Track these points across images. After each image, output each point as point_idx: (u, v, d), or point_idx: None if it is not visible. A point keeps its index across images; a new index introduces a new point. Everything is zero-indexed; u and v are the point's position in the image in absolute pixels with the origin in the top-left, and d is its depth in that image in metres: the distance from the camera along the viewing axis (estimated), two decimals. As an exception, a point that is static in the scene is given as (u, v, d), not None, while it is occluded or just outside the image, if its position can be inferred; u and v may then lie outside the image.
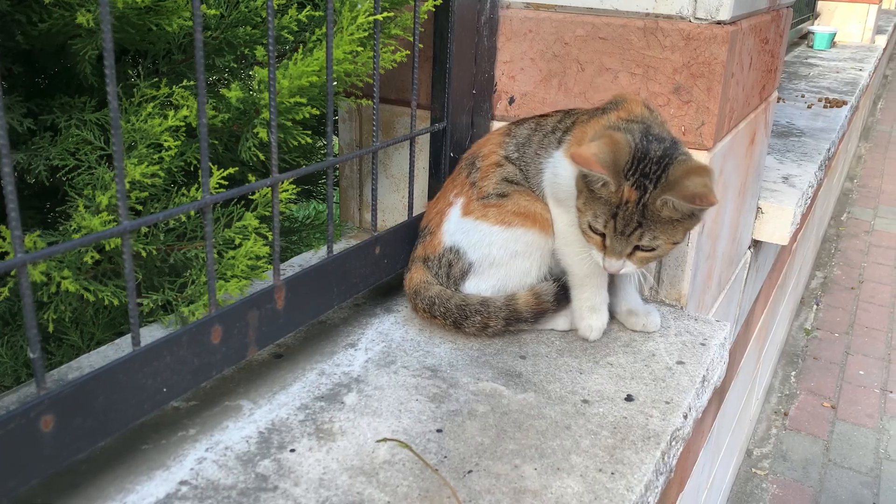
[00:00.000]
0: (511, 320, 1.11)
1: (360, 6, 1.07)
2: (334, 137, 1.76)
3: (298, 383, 1.00)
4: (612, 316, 1.17)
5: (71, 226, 0.99)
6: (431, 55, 1.22)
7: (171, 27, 1.01)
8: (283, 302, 0.95)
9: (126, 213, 0.71)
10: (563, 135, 1.12)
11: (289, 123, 1.07)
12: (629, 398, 1.00)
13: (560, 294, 1.12)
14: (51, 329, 1.02)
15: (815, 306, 4.00)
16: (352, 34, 1.04)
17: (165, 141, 1.01)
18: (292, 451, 0.87)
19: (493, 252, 1.12)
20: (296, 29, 1.10)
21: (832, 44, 4.47)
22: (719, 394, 1.87)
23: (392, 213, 1.48)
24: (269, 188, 0.98)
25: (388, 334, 1.13)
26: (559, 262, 1.13)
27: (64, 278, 0.95)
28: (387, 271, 1.15)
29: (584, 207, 1.01)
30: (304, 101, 1.03)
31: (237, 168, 1.12)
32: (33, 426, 0.68)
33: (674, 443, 0.94)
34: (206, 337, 0.85)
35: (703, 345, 1.14)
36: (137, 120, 1.02)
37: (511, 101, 1.31)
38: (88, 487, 0.79)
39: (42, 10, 0.98)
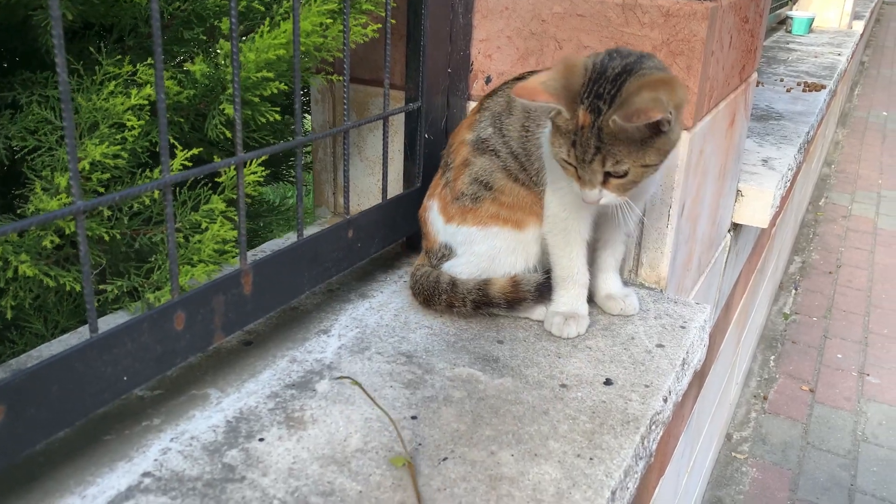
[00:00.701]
0: (481, 304, 1.09)
1: (329, -21, 1.04)
2: (307, 118, 1.72)
3: (268, 371, 0.97)
4: (591, 299, 1.14)
5: (29, 209, 0.95)
6: (405, 33, 1.19)
7: (138, -2, 0.97)
8: (250, 287, 0.92)
9: (80, 193, 0.67)
10: None
11: (256, 100, 1.03)
12: (608, 382, 0.98)
13: (543, 286, 1.10)
14: (9, 316, 0.98)
15: (793, 291, 4.02)
16: (320, 5, 1.01)
17: (128, 120, 0.97)
18: (261, 440, 0.84)
19: (476, 249, 1.12)
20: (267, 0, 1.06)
21: (810, 29, 4.48)
22: (699, 378, 1.86)
23: (367, 197, 1.45)
24: (234, 168, 0.95)
25: (362, 320, 1.10)
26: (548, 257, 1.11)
27: (21, 262, 0.91)
28: (360, 255, 1.12)
29: (553, 139, 0.96)
30: (271, 75, 1.00)
31: (202, 149, 1.08)
32: (-18, 417, 0.65)
33: (654, 427, 0.92)
34: (168, 323, 0.81)
35: (682, 327, 1.12)
36: (99, 98, 0.98)
37: (488, 80, 1.27)
38: (47, 480, 0.76)
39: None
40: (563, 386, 0.96)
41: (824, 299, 3.93)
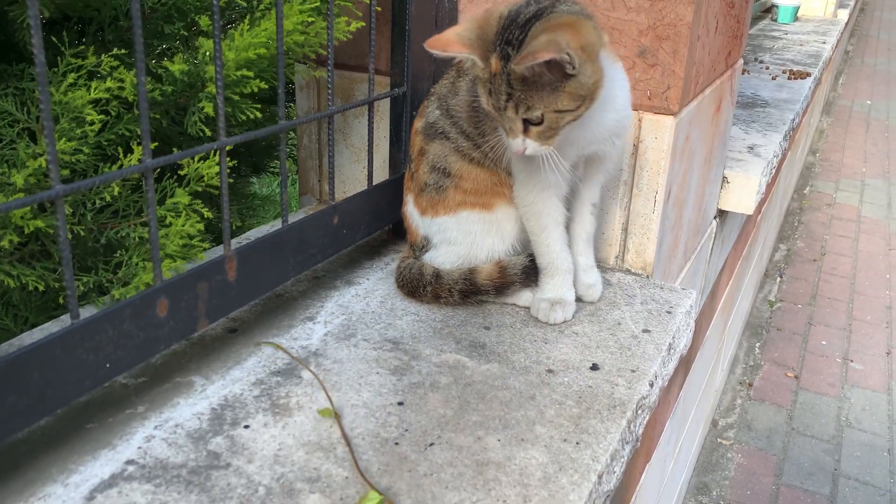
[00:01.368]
0: (469, 293, 1.09)
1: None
2: (291, 107, 1.70)
3: (254, 358, 0.96)
4: None
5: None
6: (390, 19, 1.18)
7: (117, -9, 0.96)
8: (234, 273, 0.91)
9: (58, 177, 0.66)
10: None
11: (236, 97, 1.02)
12: (595, 367, 0.98)
13: (529, 269, 1.10)
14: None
15: (778, 278, 4.04)
16: (301, 3, 0.99)
17: (88, 115, 0.94)
18: (246, 427, 0.83)
19: (451, 236, 1.12)
20: (248, -4, 1.04)
21: (796, 17, 4.49)
22: (685, 364, 1.87)
23: (353, 184, 1.44)
24: (212, 159, 0.94)
25: (348, 307, 1.09)
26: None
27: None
28: (346, 242, 1.12)
29: (478, 90, 0.95)
30: (251, 74, 0.98)
31: (185, 145, 1.07)
32: (-39, 405, 0.64)
33: (640, 411, 0.92)
34: (151, 310, 0.80)
35: (668, 313, 1.12)
36: (58, 91, 0.95)
37: (473, 66, 1.27)
38: (28, 469, 0.75)
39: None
40: (550, 371, 0.96)
41: (809, 286, 3.96)
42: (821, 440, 2.84)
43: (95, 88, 0.91)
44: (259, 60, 1.02)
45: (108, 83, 0.92)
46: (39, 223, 0.88)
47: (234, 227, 1.60)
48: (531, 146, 0.94)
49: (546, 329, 1.06)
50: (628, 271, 1.25)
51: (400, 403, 0.88)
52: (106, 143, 1.00)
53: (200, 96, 1.00)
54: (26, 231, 0.89)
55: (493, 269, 1.10)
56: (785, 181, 3.90)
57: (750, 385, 3.16)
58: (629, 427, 0.88)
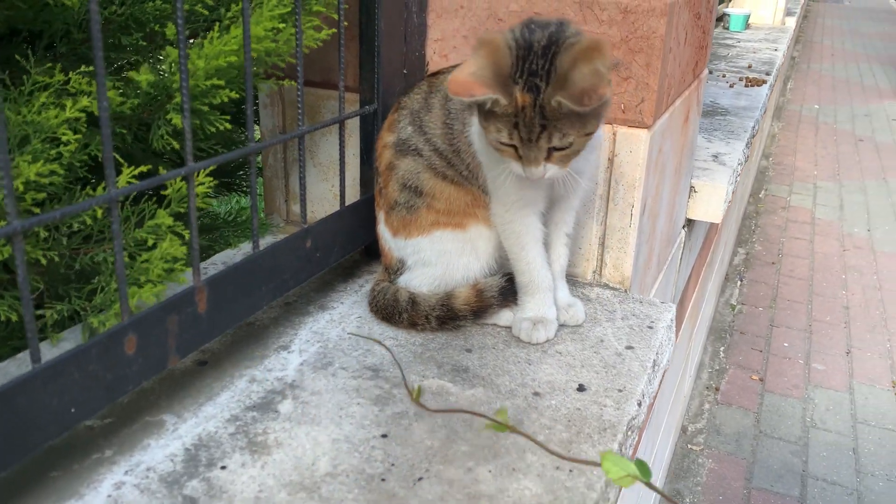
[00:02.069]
0: (446, 319, 1.06)
1: (278, -21, 0.99)
2: (255, 126, 1.65)
3: (227, 392, 0.91)
4: None
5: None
6: (357, 34, 1.14)
7: (71, 1, 0.90)
8: (205, 304, 0.86)
9: (16, 213, 0.61)
10: None
11: (205, 108, 0.97)
12: (581, 388, 0.95)
13: (506, 290, 1.07)
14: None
15: (739, 282, 4.10)
16: (272, 9, 0.95)
17: (64, 134, 0.89)
18: (223, 468, 0.79)
19: (426, 257, 1.09)
20: (211, 3, 1.00)
21: (747, 25, 4.58)
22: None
23: (321, 204, 1.40)
24: (184, 179, 0.89)
25: (323, 334, 1.05)
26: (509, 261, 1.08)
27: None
28: (320, 266, 1.08)
29: (486, 123, 0.91)
30: (221, 83, 0.94)
31: (147, 162, 1.02)
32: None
33: (630, 432, 0.90)
34: (118, 348, 0.75)
35: (650, 328, 1.11)
36: (29, 112, 0.90)
37: (443, 81, 1.24)
38: (-13, 526, 0.70)
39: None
40: (536, 394, 0.94)
41: (769, 289, 4.02)
42: (788, 442, 2.87)
43: (71, 107, 0.86)
44: (229, 69, 0.97)
45: (84, 101, 0.87)
46: (8, 250, 0.83)
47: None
48: (552, 170, 0.92)
49: (529, 349, 1.03)
50: (606, 286, 1.23)
51: (384, 436, 0.85)
52: (78, 165, 0.95)
53: (168, 108, 0.96)
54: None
55: (470, 294, 1.07)
56: (742, 186, 3.96)
57: (717, 389, 3.19)
58: (621, 450, 0.86)
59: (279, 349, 1.01)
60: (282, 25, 0.98)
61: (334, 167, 1.36)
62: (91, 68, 0.95)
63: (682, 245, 1.83)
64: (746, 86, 2.86)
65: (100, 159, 1.01)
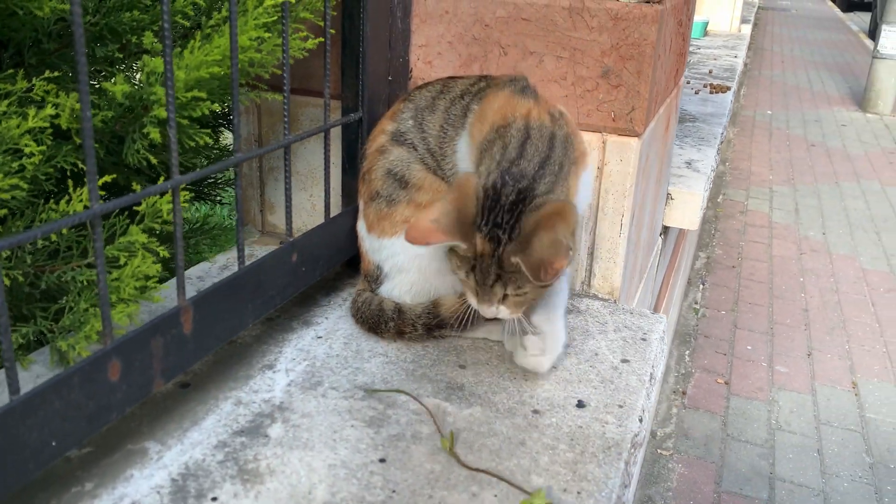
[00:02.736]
0: (432, 326, 1.03)
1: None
2: (225, 133, 1.60)
3: (212, 416, 0.86)
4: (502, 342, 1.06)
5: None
6: (340, 39, 1.10)
7: (41, 11, 0.85)
8: (191, 325, 0.81)
9: (-7, 232, 0.56)
10: (470, 101, 1.01)
11: (185, 121, 0.92)
12: (580, 404, 0.93)
13: None
14: None
15: (701, 286, 4.14)
16: (256, 18, 0.91)
17: (27, 146, 0.83)
18: (214, 499, 0.74)
19: (399, 262, 1.06)
20: (191, 13, 0.95)
21: (705, 32, 4.65)
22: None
23: (299, 214, 1.35)
24: (169, 193, 0.84)
25: (309, 351, 1.01)
26: None
27: None
28: (306, 280, 1.03)
29: (450, 255, 0.94)
30: (203, 95, 0.89)
31: (117, 175, 0.96)
32: None
33: (633, 450, 0.88)
34: (101, 374, 0.70)
35: (643, 339, 1.09)
36: None
37: (428, 88, 1.21)
38: (-41, 572, 0.64)
39: None
40: (536, 412, 0.91)
41: (730, 293, 4.07)
42: (755, 445, 2.90)
43: (34, 116, 0.80)
44: (210, 80, 0.92)
45: (48, 110, 0.81)
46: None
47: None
48: (503, 312, 0.93)
49: (523, 365, 1.01)
50: (595, 297, 1.21)
51: (382, 460, 0.81)
52: (43, 178, 0.89)
53: (145, 121, 0.90)
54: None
55: (457, 302, 1.04)
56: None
57: (683, 393, 3.21)
58: (626, 469, 0.84)
59: (264, 368, 0.96)
60: (267, 35, 0.93)
61: (313, 176, 1.31)
62: (56, 73, 0.90)
63: (659, 252, 1.83)
64: (711, 92, 2.89)
65: (67, 172, 0.95)
